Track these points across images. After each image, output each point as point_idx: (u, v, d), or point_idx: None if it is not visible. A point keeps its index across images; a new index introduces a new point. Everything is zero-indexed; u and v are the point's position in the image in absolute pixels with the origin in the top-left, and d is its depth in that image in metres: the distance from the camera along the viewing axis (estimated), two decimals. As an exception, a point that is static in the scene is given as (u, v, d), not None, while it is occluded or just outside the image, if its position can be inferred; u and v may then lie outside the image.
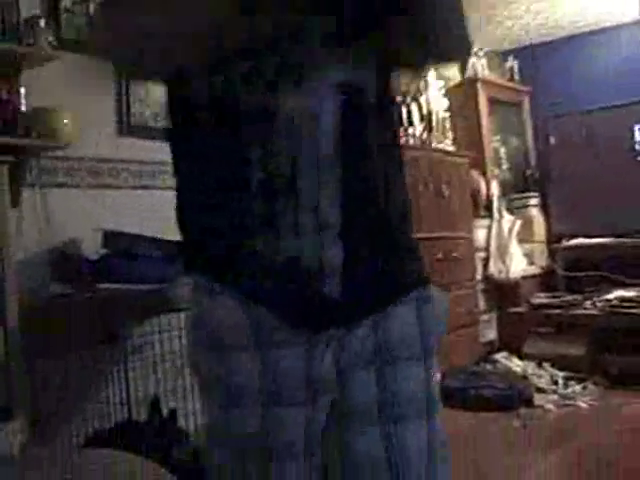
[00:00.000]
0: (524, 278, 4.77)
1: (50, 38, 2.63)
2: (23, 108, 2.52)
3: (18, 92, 2.52)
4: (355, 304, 0.96)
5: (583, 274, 4.70)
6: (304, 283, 0.93)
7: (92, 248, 2.67)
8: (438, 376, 1.10)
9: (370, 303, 0.98)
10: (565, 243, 4.91)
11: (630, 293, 4.23)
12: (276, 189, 0.91)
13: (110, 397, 2.57)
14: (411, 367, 1.00)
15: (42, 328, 2.28)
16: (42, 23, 2.61)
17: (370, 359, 0.98)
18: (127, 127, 3.03)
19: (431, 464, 1.00)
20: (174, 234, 2.62)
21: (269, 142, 0.90)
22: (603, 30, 5.17)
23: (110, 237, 2.65)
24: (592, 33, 5.21)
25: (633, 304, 4.09)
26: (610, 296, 4.28)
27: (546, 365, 4.16)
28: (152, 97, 3.13)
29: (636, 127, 4.76)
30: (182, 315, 2.72)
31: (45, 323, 2.29)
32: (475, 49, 5.12)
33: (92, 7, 2.92)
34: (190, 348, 1.04)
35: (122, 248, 2.63)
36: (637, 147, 4.76)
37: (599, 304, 4.28)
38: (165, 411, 2.57)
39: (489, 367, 4.23)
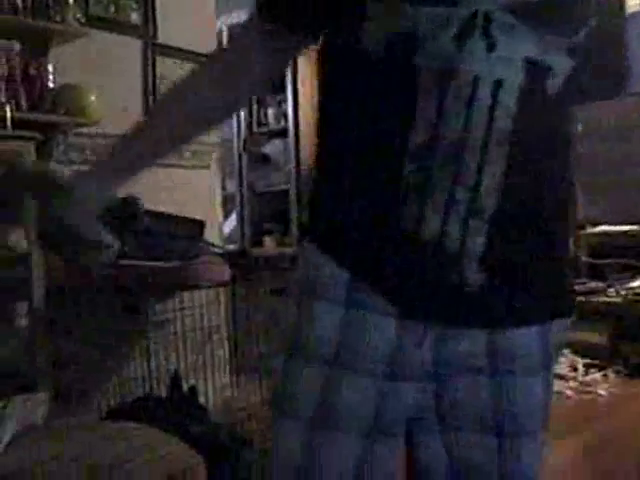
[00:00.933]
0: (547, 264, 4.74)
1: (78, 15, 2.64)
2: (51, 85, 2.54)
3: (46, 69, 2.54)
4: (495, 305, 0.88)
5: (607, 261, 4.66)
6: (440, 269, 0.85)
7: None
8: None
9: (509, 312, 0.90)
10: (589, 230, 4.86)
11: (654, 282, 4.19)
12: (435, 159, 0.83)
13: (131, 372, 2.61)
14: (531, 381, 0.93)
15: (66, 303, 2.32)
16: (71, 0, 2.62)
17: (481, 365, 0.91)
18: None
19: None
20: (197, 212, 2.70)
21: (443, 103, 0.82)
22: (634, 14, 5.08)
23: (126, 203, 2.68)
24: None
25: (657, 293, 4.05)
26: (634, 284, 4.24)
27: (566, 351, 4.14)
28: (178, 75, 3.14)
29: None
30: (203, 293, 2.76)
31: (69, 298, 2.34)
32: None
33: (120, -15, 2.93)
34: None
35: (145, 225, 2.66)
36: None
37: (622, 292, 4.24)
38: (185, 387, 2.61)
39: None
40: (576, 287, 4.42)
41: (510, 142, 0.83)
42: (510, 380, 0.92)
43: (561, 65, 0.86)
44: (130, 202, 1.07)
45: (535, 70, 0.84)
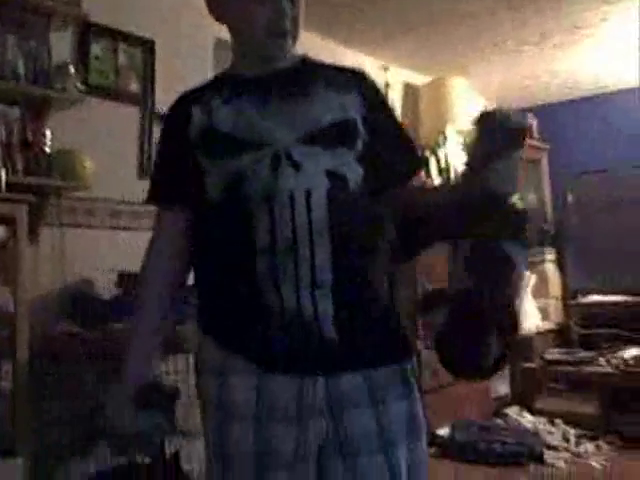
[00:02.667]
0: (538, 333, 4.74)
1: (78, 83, 2.73)
2: (47, 150, 2.61)
3: (44, 134, 2.61)
4: (348, 352, 1.17)
5: (598, 331, 4.66)
6: (303, 328, 1.15)
7: (106, 288, 2.72)
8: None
9: (360, 356, 1.19)
10: (581, 299, 4.89)
11: (645, 352, 4.18)
12: (278, 253, 1.14)
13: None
14: (399, 404, 1.22)
15: (51, 366, 2.31)
16: (72, 69, 2.72)
17: (361, 400, 1.19)
18: (148, 170, 3.11)
19: None
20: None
21: (273, 215, 1.14)
22: (623, 91, 5.23)
23: (124, 277, 2.71)
24: (612, 94, 5.28)
25: (648, 363, 4.04)
26: (625, 354, 4.24)
27: (558, 422, 4.10)
28: (173, 143, 3.22)
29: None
30: (192, 357, 2.75)
31: (54, 361, 2.33)
32: (495, 105, 5.20)
33: (120, 55, 3.04)
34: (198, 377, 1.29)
35: (135, 289, 2.68)
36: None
37: (614, 362, 4.23)
38: (168, 453, 2.57)
39: (500, 422, 4.18)
40: (567, 357, 4.42)
41: (329, 233, 1.14)
42: (383, 407, 1.20)
43: (353, 172, 1.20)
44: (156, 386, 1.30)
45: (336, 178, 1.17)
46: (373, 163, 1.24)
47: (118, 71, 3.04)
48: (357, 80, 1.30)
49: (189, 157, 1.23)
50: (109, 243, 2.90)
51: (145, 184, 3.18)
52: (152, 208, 3.16)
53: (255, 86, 1.24)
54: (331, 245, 1.14)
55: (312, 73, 1.28)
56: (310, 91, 1.23)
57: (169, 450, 2.56)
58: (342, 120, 1.21)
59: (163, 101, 3.17)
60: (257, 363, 1.18)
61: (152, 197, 1.34)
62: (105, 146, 2.92)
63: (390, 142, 1.30)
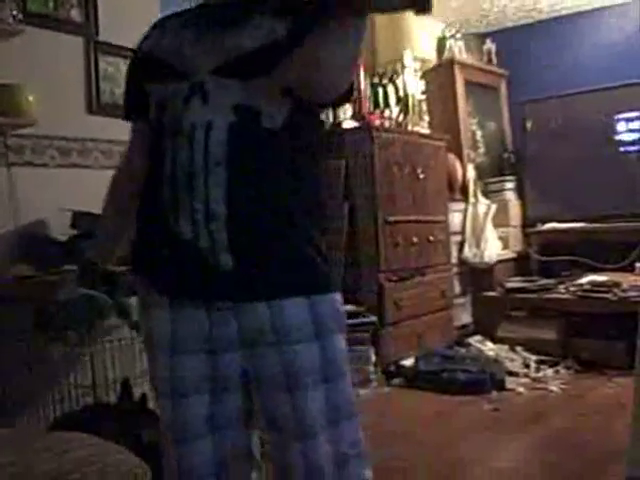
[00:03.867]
0: (499, 262, 4.79)
1: (15, 12, 2.55)
2: (-14, 84, 2.45)
3: (-19, 67, 2.45)
4: (245, 281, 1.20)
5: (557, 258, 4.73)
6: (200, 259, 1.18)
7: (61, 229, 2.61)
8: (343, 348, 1.30)
9: (260, 285, 1.21)
10: (540, 227, 4.93)
11: (602, 278, 4.26)
12: (178, 183, 1.18)
13: (79, 379, 2.53)
14: (306, 346, 1.23)
15: (6, 309, 2.23)
16: (7, -4, 2.53)
17: (270, 338, 1.22)
18: (97, 105, 2.97)
19: (335, 420, 1.25)
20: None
21: (176, 146, 1.19)
22: (582, 14, 5.17)
23: (78, 217, 2.60)
24: (571, 16, 5.21)
25: (604, 289, 4.12)
26: (582, 281, 4.31)
27: (519, 349, 4.19)
28: (122, 75, 3.06)
29: (616, 117, 4.76)
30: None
31: (9, 304, 2.24)
32: (453, 31, 5.10)
33: (60, -19, 2.84)
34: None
35: (90, 228, 2.58)
36: (617, 137, 4.76)
37: (572, 289, 4.31)
38: (136, 394, 2.54)
39: (463, 350, 4.24)
40: (527, 284, 4.48)
41: (226, 166, 1.16)
42: (289, 348, 1.22)
43: (272, 106, 1.18)
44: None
45: (245, 112, 1.17)
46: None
47: (57, -3, 2.84)
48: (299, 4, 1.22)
49: (137, 78, 1.32)
50: (60, 182, 2.77)
51: (94, 119, 3.07)
52: (103, 145, 3.06)
53: (204, 16, 1.26)
54: (227, 178, 1.16)
55: (258, 2, 1.24)
56: (246, 18, 1.21)
57: (137, 392, 2.52)
58: (266, 44, 1.17)
59: (107, 29, 3.00)
60: (166, 294, 1.25)
61: (124, 113, 1.43)
62: (49, 80, 2.75)
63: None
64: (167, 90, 1.22)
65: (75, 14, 2.90)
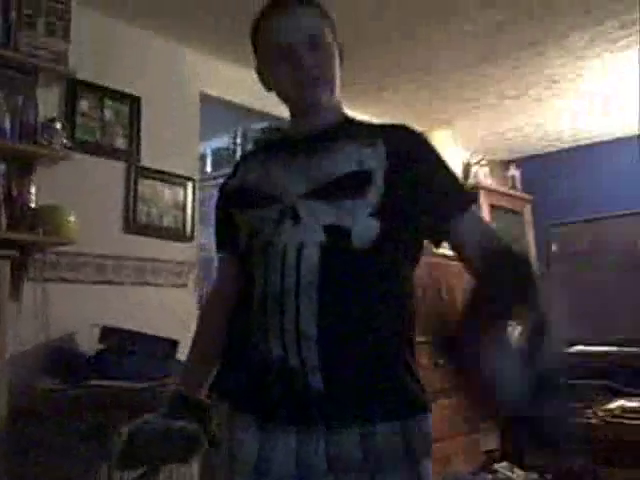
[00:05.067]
0: (526, 385, 4.70)
1: (64, 139, 2.75)
2: (32, 205, 2.61)
3: (29, 190, 2.62)
4: (336, 404, 1.16)
5: (584, 382, 4.63)
6: (290, 381, 1.16)
7: (89, 343, 2.69)
8: (430, 473, 1.24)
9: (351, 409, 1.17)
10: (567, 350, 4.87)
11: (632, 403, 4.15)
12: (268, 304, 1.18)
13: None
14: (397, 473, 1.18)
15: (31, 423, 2.27)
16: (58, 125, 2.74)
17: (361, 466, 1.16)
18: (133, 225, 3.12)
19: None
20: (172, 331, 2.73)
21: (268, 267, 1.20)
22: (603, 143, 5.34)
23: (107, 333, 2.68)
24: (593, 145, 5.38)
25: (635, 415, 4.01)
26: (611, 406, 4.21)
27: (548, 477, 4.05)
28: (159, 197, 3.24)
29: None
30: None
31: (35, 418, 2.29)
32: (478, 158, 5.29)
33: (107, 111, 3.08)
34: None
35: (118, 344, 2.66)
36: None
37: (600, 414, 4.20)
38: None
39: (489, 477, 4.11)
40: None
41: (318, 285, 1.16)
42: (380, 475, 1.17)
43: (361, 226, 1.19)
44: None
45: (336, 232, 1.18)
46: (404, 215, 1.23)
47: (104, 127, 3.07)
48: (387, 132, 1.30)
49: (227, 211, 1.36)
50: (93, 298, 2.88)
51: (129, 238, 3.22)
52: (137, 263, 3.17)
53: (289, 145, 1.31)
54: (318, 298, 1.15)
55: (344, 131, 1.30)
56: (333, 147, 1.26)
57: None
58: (355, 172, 1.22)
59: (149, 156, 3.20)
60: (254, 417, 1.20)
61: (216, 243, 1.46)
62: (90, 201, 2.93)
63: (430, 188, 1.26)
64: (258, 215, 1.25)
65: (120, 142, 3.12)
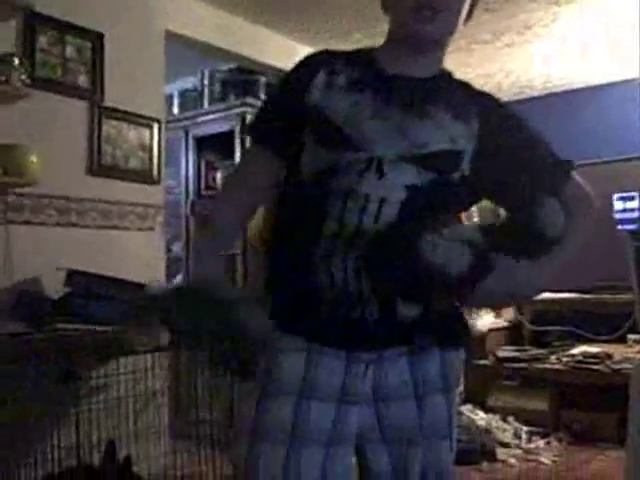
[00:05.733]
0: (491, 331, 4.79)
1: (23, 77, 2.64)
2: (-9, 144, 2.52)
3: (-14, 129, 2.52)
4: (387, 331, 1.22)
5: (549, 328, 4.73)
6: (347, 308, 1.20)
7: (55, 287, 2.64)
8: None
9: (400, 337, 1.24)
10: (532, 297, 4.94)
11: (594, 349, 4.26)
12: (339, 241, 1.19)
13: (62, 440, 2.51)
14: (438, 399, 1.28)
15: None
16: (16, 61, 2.62)
17: (409, 392, 1.26)
18: (97, 167, 3.04)
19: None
20: (140, 274, 2.67)
21: (346, 210, 1.20)
22: (575, 91, 5.33)
23: (73, 276, 2.63)
24: (564, 93, 5.36)
25: (596, 360, 4.12)
26: (575, 351, 4.31)
27: (510, 419, 4.15)
28: (124, 138, 3.15)
29: (614, 196, 4.82)
30: (142, 358, 2.70)
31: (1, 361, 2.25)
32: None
33: (68, 47, 2.95)
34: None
35: (84, 287, 2.61)
36: (613, 214, 4.82)
37: (564, 359, 4.30)
38: (120, 456, 2.51)
39: (454, 419, 4.20)
40: (519, 354, 4.46)
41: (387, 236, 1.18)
42: (424, 401, 1.27)
43: (441, 191, 1.23)
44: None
45: (417, 192, 1.21)
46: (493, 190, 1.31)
47: (66, 64, 2.95)
48: (479, 106, 1.30)
49: (297, 121, 1.28)
50: (57, 241, 2.82)
51: (94, 181, 3.14)
52: (102, 205, 3.11)
53: (383, 86, 1.26)
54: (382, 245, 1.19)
55: (440, 91, 1.28)
56: (429, 112, 1.24)
57: (120, 454, 2.50)
58: (447, 151, 1.23)
59: (113, 95, 3.10)
60: (306, 336, 1.23)
61: (253, 133, 1.42)
62: (52, 141, 2.83)
63: (523, 162, 1.31)
64: (340, 158, 1.22)
65: (82, 80, 3.00)
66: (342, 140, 1.22)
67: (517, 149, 1.31)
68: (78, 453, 2.44)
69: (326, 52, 1.36)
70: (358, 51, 1.36)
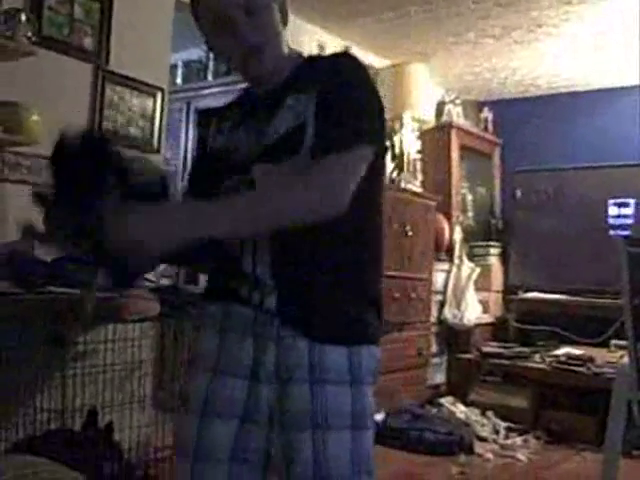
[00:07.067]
0: (477, 326, 4.81)
1: (29, 33, 2.60)
2: (-8, 100, 2.48)
3: (-11, 83, 2.48)
4: (287, 323, 1.23)
5: (534, 327, 4.76)
6: (248, 295, 1.25)
7: (47, 250, 2.61)
8: (372, 402, 1.30)
9: (301, 329, 1.23)
10: (520, 295, 4.98)
11: (577, 351, 4.29)
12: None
13: (45, 403, 2.50)
14: (339, 389, 1.24)
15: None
16: (23, 17, 2.58)
17: (305, 375, 1.22)
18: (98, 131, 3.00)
19: (358, 472, 1.24)
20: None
21: None
22: (577, 93, 5.32)
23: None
24: (568, 95, 5.35)
25: (579, 362, 4.15)
26: (558, 352, 4.34)
27: (490, 414, 4.18)
28: (126, 104, 3.12)
29: (608, 200, 4.83)
30: (130, 326, 2.69)
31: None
32: (452, 97, 5.22)
33: (76, 7, 2.91)
34: None
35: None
36: (606, 219, 4.83)
37: (547, 359, 4.33)
38: (102, 422, 2.51)
39: (434, 410, 4.23)
40: (503, 350, 4.49)
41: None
42: (322, 386, 1.23)
43: None
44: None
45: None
46: None
47: (73, 24, 2.90)
48: (319, 72, 1.27)
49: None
50: (52, 203, 2.79)
51: (94, 145, 3.08)
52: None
53: (246, 108, 1.34)
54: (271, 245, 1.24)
55: (294, 81, 1.29)
56: (281, 104, 1.26)
57: (102, 421, 2.49)
58: (292, 128, 1.23)
59: (118, 60, 3.06)
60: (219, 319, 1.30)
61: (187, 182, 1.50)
62: (54, 102, 2.78)
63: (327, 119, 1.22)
64: (225, 186, 1.30)
65: (88, 42, 2.96)
66: (223, 168, 1.31)
67: (327, 107, 1.22)
68: (63, 417, 2.43)
69: (212, 109, 1.50)
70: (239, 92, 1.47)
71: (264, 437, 1.25)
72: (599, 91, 5.19)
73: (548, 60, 4.75)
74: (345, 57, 1.32)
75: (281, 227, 1.17)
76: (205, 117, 1.47)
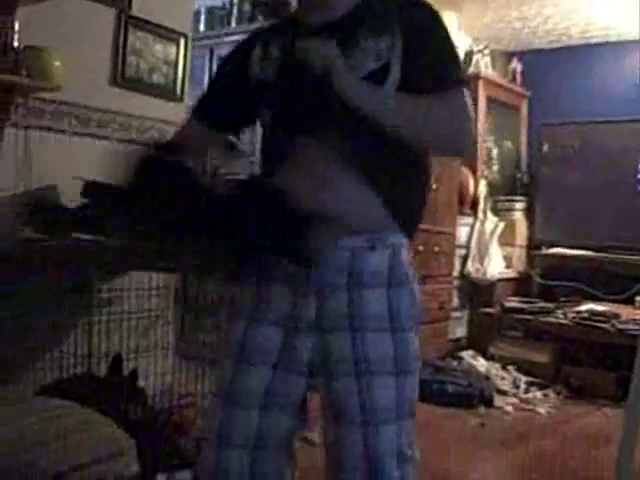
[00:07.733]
0: (500, 280, 4.78)
1: (51, -24, 2.55)
2: (15, 44, 2.44)
3: (12, 27, 2.44)
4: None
5: (558, 283, 4.72)
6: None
7: (71, 196, 2.61)
8: (417, 345, 1.32)
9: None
10: (544, 250, 4.93)
11: (601, 307, 4.26)
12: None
13: (72, 349, 2.53)
14: (381, 336, 1.26)
15: (9, 271, 2.23)
16: (45, -40, 2.53)
17: (347, 324, 1.26)
18: (121, 78, 2.96)
19: (401, 415, 1.26)
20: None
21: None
22: (611, 44, 5.16)
23: (90, 187, 2.59)
24: (600, 45, 5.20)
25: (602, 318, 4.12)
26: (581, 308, 4.31)
27: (510, 368, 4.19)
28: (150, 50, 3.07)
29: (638, 153, 4.70)
30: (154, 275, 2.70)
31: (13, 266, 2.25)
32: (481, 46, 5.09)
33: (99, -49, 2.84)
34: None
35: (102, 200, 2.57)
36: (636, 174, 4.71)
37: (570, 315, 4.30)
38: (126, 369, 2.54)
39: (454, 363, 4.24)
40: (526, 305, 4.46)
41: None
42: (364, 334, 1.26)
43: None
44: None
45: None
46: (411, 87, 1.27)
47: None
48: (399, 14, 1.29)
49: (242, 92, 1.43)
50: (76, 150, 2.77)
51: (117, 92, 3.06)
52: (123, 118, 3.05)
53: (307, 36, 1.30)
54: None
55: (359, 20, 1.29)
56: (352, 42, 1.27)
57: (127, 367, 2.52)
58: (374, 70, 1.25)
59: (140, 4, 3.00)
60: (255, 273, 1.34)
61: (194, 112, 1.60)
62: (77, 47, 2.74)
63: (422, 66, 1.28)
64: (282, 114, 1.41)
65: (110, -15, 2.90)
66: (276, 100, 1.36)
67: (424, 52, 1.28)
68: (89, 362, 2.46)
69: (256, 31, 1.51)
70: (282, 19, 1.51)
71: (299, 384, 1.30)
72: (633, 42, 5.03)
73: (583, 6, 4.60)
74: (422, 5, 1.34)
75: (413, 137, 1.27)
76: (248, 40, 1.47)
